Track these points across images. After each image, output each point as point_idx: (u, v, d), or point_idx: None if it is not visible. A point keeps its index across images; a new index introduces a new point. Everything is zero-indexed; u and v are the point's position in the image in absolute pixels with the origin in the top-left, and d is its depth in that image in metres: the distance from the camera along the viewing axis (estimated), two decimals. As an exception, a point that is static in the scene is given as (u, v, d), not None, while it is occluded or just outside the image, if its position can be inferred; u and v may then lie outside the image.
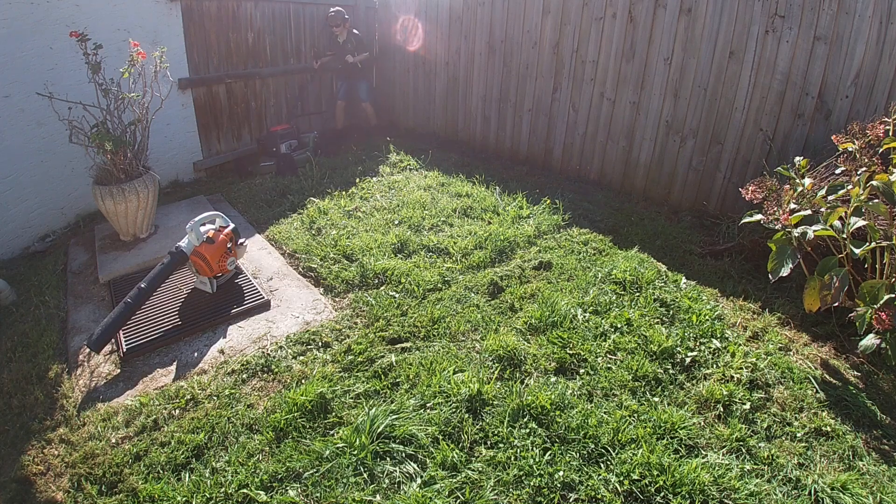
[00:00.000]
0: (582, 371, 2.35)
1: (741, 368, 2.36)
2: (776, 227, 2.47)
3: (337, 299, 2.94)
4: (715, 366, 2.40)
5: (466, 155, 5.63)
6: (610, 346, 2.51)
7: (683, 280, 3.14)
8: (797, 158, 2.63)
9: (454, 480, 1.80)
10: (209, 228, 2.91)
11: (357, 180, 4.76)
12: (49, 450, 1.96)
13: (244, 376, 2.32)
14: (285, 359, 2.43)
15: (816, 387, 2.30)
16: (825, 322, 2.75)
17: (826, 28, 3.29)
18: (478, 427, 2.03)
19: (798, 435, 2.04)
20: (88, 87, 3.22)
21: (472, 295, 2.95)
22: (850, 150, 2.49)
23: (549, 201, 4.22)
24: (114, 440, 1.99)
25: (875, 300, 2.18)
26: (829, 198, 2.42)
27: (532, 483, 1.78)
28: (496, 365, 2.36)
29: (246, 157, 5.20)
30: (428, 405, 2.12)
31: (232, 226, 3.00)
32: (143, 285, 2.59)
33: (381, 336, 2.57)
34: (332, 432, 2.01)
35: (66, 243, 3.60)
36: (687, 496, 1.75)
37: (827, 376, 2.40)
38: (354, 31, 5.82)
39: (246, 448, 1.94)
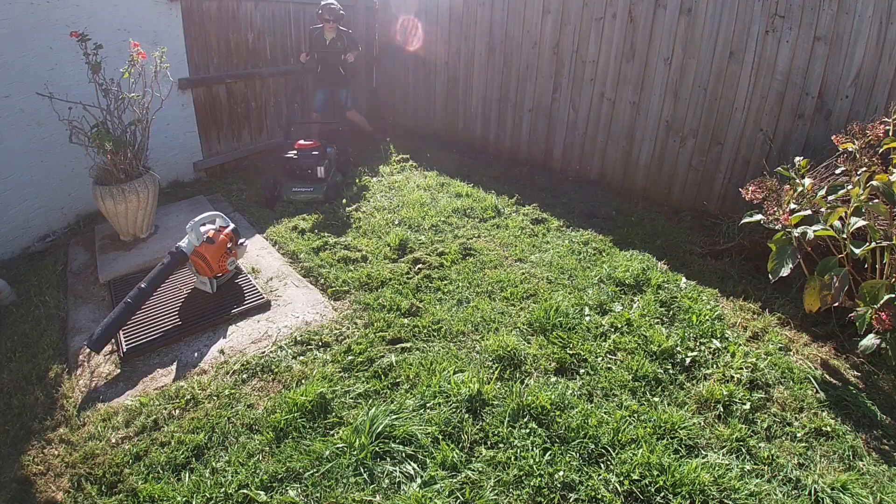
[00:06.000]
0: (582, 371, 2.35)
1: (741, 368, 2.36)
2: (776, 227, 2.47)
3: (337, 299, 2.94)
4: (715, 366, 2.40)
5: (466, 155, 5.64)
6: (610, 346, 2.51)
7: (683, 280, 3.15)
8: (797, 158, 2.63)
9: (454, 480, 1.80)
10: (209, 228, 2.91)
11: (357, 180, 4.76)
12: (49, 450, 1.96)
13: (244, 376, 2.32)
14: (285, 359, 2.43)
15: (816, 387, 2.30)
16: (825, 322, 2.75)
17: (826, 28, 3.30)
18: (478, 427, 2.03)
19: (798, 435, 2.04)
20: (88, 87, 3.22)
21: (473, 296, 2.95)
22: (850, 150, 2.49)
23: (549, 202, 4.22)
24: (114, 440, 1.99)
25: (875, 300, 2.18)
26: (830, 198, 2.42)
27: (532, 483, 1.78)
28: (496, 365, 2.36)
29: (271, 184, 4.26)
30: (428, 405, 2.12)
31: (232, 226, 3.00)
32: (143, 285, 2.59)
33: (381, 336, 2.57)
34: (332, 432, 2.01)
35: (66, 243, 3.60)
36: (687, 496, 1.75)
37: (827, 376, 2.40)
38: (345, 29, 5.14)
39: (246, 448, 1.94)
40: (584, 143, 4.84)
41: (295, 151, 4.37)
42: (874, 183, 2.26)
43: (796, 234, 2.38)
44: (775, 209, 2.48)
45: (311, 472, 1.83)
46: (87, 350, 2.47)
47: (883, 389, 2.34)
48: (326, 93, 5.33)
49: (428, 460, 1.88)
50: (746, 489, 1.78)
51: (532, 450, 1.91)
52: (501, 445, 1.95)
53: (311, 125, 5.48)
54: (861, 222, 2.24)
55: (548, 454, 1.90)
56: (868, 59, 3.20)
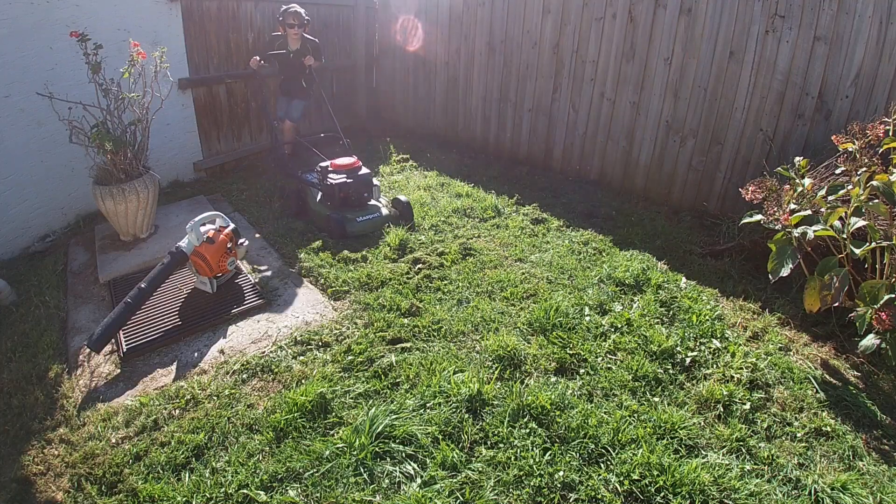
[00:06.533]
0: (582, 371, 2.35)
1: (741, 368, 2.36)
2: (776, 228, 2.47)
3: (337, 299, 2.94)
4: (715, 366, 2.40)
5: (466, 155, 5.64)
6: (610, 346, 2.51)
7: (683, 280, 3.15)
8: (797, 158, 2.63)
9: (454, 480, 1.80)
10: (209, 228, 2.91)
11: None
12: (49, 450, 1.96)
13: (244, 376, 2.32)
14: (285, 359, 2.43)
15: (816, 387, 2.30)
16: (825, 322, 2.75)
17: (826, 28, 3.30)
18: (478, 427, 2.03)
19: (798, 435, 2.04)
20: (88, 87, 3.22)
21: (473, 296, 2.94)
22: (850, 150, 2.49)
23: (549, 202, 4.22)
24: (114, 440, 1.99)
25: (875, 300, 2.18)
26: (830, 198, 2.42)
27: (532, 483, 1.78)
28: (496, 365, 2.36)
29: (339, 219, 3.58)
30: (428, 405, 2.12)
31: (232, 226, 3.00)
32: (143, 285, 2.60)
33: (381, 336, 2.57)
34: (332, 432, 2.01)
35: (66, 243, 3.60)
36: (687, 496, 1.75)
37: (827, 376, 2.40)
38: (311, 37, 4.71)
39: (246, 448, 1.94)
40: (584, 143, 4.84)
41: (344, 175, 3.73)
42: (874, 183, 2.26)
43: (796, 234, 2.38)
44: (775, 209, 2.48)
45: (311, 472, 1.83)
46: (87, 350, 2.47)
47: (883, 389, 2.34)
48: (289, 101, 4.92)
49: (428, 460, 1.88)
50: (746, 489, 1.78)
51: (532, 450, 1.91)
52: (501, 445, 1.94)
53: (287, 131, 4.93)
54: (861, 222, 2.24)
55: (548, 454, 1.90)
56: (868, 59, 3.20)
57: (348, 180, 3.71)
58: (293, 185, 4.11)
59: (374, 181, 3.88)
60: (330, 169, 3.81)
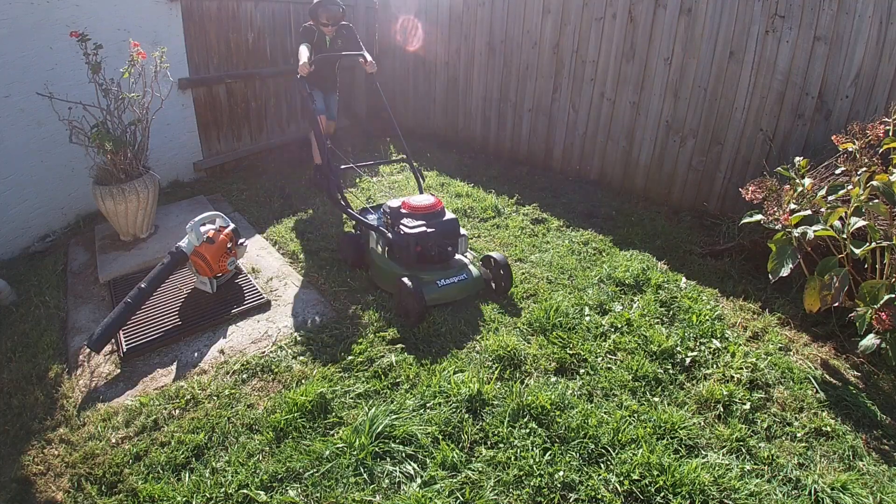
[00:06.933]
0: (582, 371, 2.35)
1: (741, 368, 2.36)
2: (776, 228, 2.47)
3: (337, 299, 2.93)
4: (715, 366, 2.40)
5: (466, 155, 5.64)
6: (610, 346, 2.51)
7: (683, 280, 3.15)
8: (797, 158, 2.63)
9: (454, 480, 1.80)
10: (209, 228, 2.91)
11: (357, 180, 4.77)
12: (49, 450, 1.96)
13: (244, 376, 2.32)
14: (285, 359, 2.43)
15: (816, 387, 2.30)
16: (825, 322, 2.75)
17: (826, 28, 3.30)
18: (478, 427, 2.03)
19: (798, 435, 2.04)
20: (88, 87, 3.22)
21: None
22: (850, 150, 2.49)
23: (549, 202, 4.22)
24: (114, 440, 1.99)
25: (875, 300, 2.18)
26: (830, 198, 2.42)
27: (532, 483, 1.78)
28: (496, 365, 2.36)
29: (418, 290, 2.58)
30: (428, 405, 2.12)
31: (232, 226, 3.00)
32: (143, 285, 2.59)
33: (380, 336, 2.57)
34: (332, 432, 2.01)
35: (66, 243, 3.60)
36: (687, 496, 1.75)
37: (827, 376, 2.40)
38: (343, 22, 4.33)
39: (246, 448, 1.94)
40: (584, 143, 4.84)
41: (423, 223, 2.76)
42: (874, 183, 2.26)
43: (796, 234, 2.38)
44: (775, 209, 2.48)
45: (311, 472, 1.83)
46: (87, 350, 2.46)
47: (883, 389, 2.34)
48: (325, 97, 4.63)
49: (428, 460, 1.88)
50: (746, 489, 1.78)
51: (532, 450, 1.91)
52: (501, 445, 1.94)
53: (325, 129, 4.28)
54: (861, 222, 2.24)
55: (548, 454, 1.89)
56: (868, 59, 3.20)
57: (428, 230, 2.72)
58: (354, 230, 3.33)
59: (462, 230, 2.87)
60: (403, 211, 2.84)
